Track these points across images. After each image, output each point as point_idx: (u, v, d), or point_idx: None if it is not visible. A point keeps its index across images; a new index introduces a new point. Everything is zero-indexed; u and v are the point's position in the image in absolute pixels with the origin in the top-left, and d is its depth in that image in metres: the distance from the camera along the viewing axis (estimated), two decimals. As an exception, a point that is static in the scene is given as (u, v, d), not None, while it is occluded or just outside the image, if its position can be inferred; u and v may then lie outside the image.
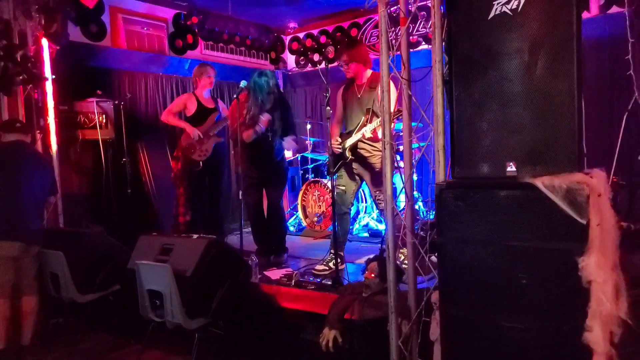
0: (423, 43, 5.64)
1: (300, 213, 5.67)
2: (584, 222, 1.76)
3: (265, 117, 3.92)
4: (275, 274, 3.65)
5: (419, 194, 4.99)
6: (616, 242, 1.80)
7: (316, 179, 5.68)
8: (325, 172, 5.28)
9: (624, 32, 3.30)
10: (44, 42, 4.20)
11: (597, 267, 1.73)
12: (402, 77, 2.43)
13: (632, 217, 3.24)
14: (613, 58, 4.62)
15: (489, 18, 2.01)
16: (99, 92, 4.78)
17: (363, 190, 5.32)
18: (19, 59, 3.94)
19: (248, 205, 4.15)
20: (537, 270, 1.87)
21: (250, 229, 4.37)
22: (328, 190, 5.03)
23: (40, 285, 3.57)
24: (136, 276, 3.04)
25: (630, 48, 3.33)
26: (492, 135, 2.04)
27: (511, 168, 1.99)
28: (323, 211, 5.38)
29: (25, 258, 3.43)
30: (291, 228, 5.79)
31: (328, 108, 3.34)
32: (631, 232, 2.94)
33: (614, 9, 4.61)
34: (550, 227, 1.84)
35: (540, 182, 1.84)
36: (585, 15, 4.63)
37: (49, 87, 4.27)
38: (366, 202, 5.41)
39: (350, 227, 4.70)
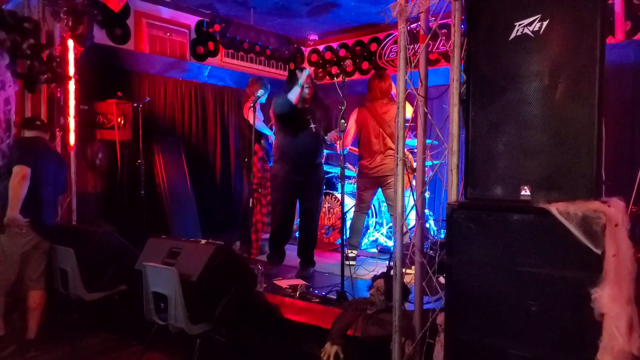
0: (443, 60, 5.63)
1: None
2: (599, 252, 1.71)
3: (335, 133, 3.93)
4: (282, 284, 3.63)
5: (431, 212, 4.93)
6: (632, 274, 1.75)
7: (327, 191, 5.66)
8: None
9: (649, 58, 3.24)
10: (70, 43, 4.30)
11: (611, 299, 1.68)
12: (418, 94, 2.41)
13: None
14: (636, 84, 4.55)
15: (509, 39, 2.00)
16: (119, 93, 4.86)
17: (374, 205, 5.28)
18: (44, 58, 4.04)
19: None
20: (548, 298, 1.82)
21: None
22: (338, 202, 5.01)
23: (49, 281, 3.61)
24: (142, 278, 3.05)
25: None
26: (507, 158, 2.01)
27: (525, 192, 1.95)
28: (332, 224, 5.35)
29: (35, 253, 3.47)
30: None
31: (342, 121, 3.34)
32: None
33: (640, 36, 4.55)
34: (564, 254, 1.79)
35: (554, 208, 1.80)
36: (610, 40, 4.61)
37: (71, 86, 4.35)
38: (376, 217, 5.36)
39: (360, 240, 4.68)
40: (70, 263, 3.51)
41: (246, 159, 4.63)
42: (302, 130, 3.92)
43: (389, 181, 4.23)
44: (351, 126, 4.46)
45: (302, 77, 3.76)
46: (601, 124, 1.84)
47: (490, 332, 1.93)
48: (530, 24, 1.95)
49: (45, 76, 4.09)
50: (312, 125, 3.91)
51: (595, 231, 1.72)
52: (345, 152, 4.80)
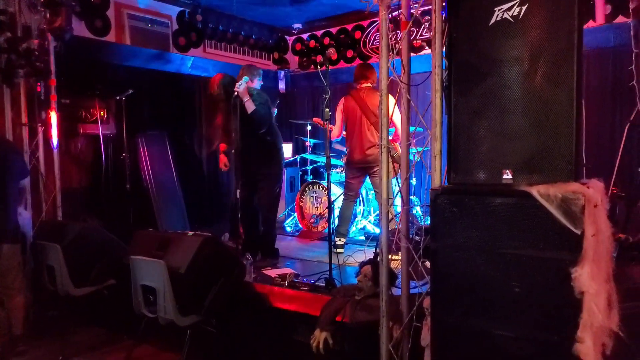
0: (427, 48, 5.64)
1: (297, 214, 5.67)
2: (578, 232, 1.74)
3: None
4: (271, 273, 3.65)
5: (416, 199, 4.98)
6: (611, 253, 1.79)
7: (314, 180, 5.68)
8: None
9: (629, 42, 3.29)
10: (48, 35, 4.21)
11: (590, 278, 1.72)
12: (401, 81, 2.42)
13: (630, 229, 3.22)
14: (617, 68, 4.60)
15: (489, 24, 2.00)
16: (101, 87, 4.79)
17: (361, 193, 5.32)
18: (22, 52, 3.95)
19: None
20: (530, 279, 1.86)
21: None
22: (325, 191, 5.04)
23: (34, 279, 3.57)
24: (130, 271, 3.04)
25: (634, 59, 3.31)
26: (489, 142, 2.03)
27: (507, 175, 1.98)
28: (320, 213, 5.37)
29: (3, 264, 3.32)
30: (288, 229, 5.80)
31: (327, 110, 3.34)
32: (628, 244, 2.92)
33: (620, 19, 4.60)
34: (545, 236, 1.82)
35: (535, 191, 1.83)
36: (590, 24, 4.65)
37: (51, 80, 4.28)
38: (364, 205, 5.40)
39: (348, 229, 4.71)
40: (57, 259, 3.48)
41: (232, 150, 4.62)
42: None
43: (375, 169, 4.28)
44: (338, 116, 4.49)
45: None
46: (580, 106, 1.87)
47: (476, 313, 1.97)
48: (509, 8, 1.96)
49: (24, 70, 4.01)
50: None
51: (574, 212, 1.75)
52: (337, 141, 4.84)
